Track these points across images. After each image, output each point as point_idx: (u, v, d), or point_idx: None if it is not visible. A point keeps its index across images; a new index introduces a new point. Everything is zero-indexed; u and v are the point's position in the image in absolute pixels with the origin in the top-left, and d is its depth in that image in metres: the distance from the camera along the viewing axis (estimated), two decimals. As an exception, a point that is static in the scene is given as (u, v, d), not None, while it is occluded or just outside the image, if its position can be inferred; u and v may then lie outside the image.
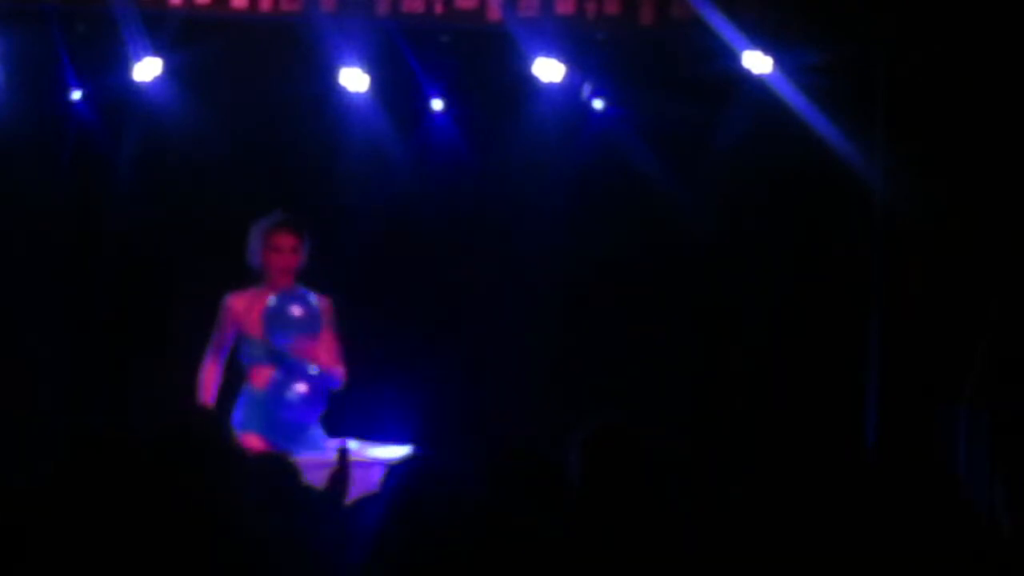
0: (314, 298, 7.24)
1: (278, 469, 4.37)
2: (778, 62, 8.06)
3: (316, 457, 7.05)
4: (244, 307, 7.27)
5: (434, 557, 3.55)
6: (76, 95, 8.28)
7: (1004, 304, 7.93)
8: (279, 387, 7.18)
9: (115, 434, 3.91)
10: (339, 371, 7.27)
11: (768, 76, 8.10)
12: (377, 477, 6.95)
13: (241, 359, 7.31)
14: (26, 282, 8.42)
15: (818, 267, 8.46)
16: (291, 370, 7.20)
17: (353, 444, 7.36)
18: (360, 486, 6.90)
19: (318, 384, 7.22)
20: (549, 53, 8.11)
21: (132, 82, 8.10)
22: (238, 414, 7.24)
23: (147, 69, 8.04)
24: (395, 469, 4.16)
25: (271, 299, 7.18)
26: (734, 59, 8.03)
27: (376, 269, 8.65)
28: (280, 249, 7.24)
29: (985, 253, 8.01)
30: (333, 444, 7.31)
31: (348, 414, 7.51)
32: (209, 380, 7.30)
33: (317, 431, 7.32)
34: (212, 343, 7.31)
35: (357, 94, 8.27)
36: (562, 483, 4.26)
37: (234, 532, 3.68)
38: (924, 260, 8.10)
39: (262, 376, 7.23)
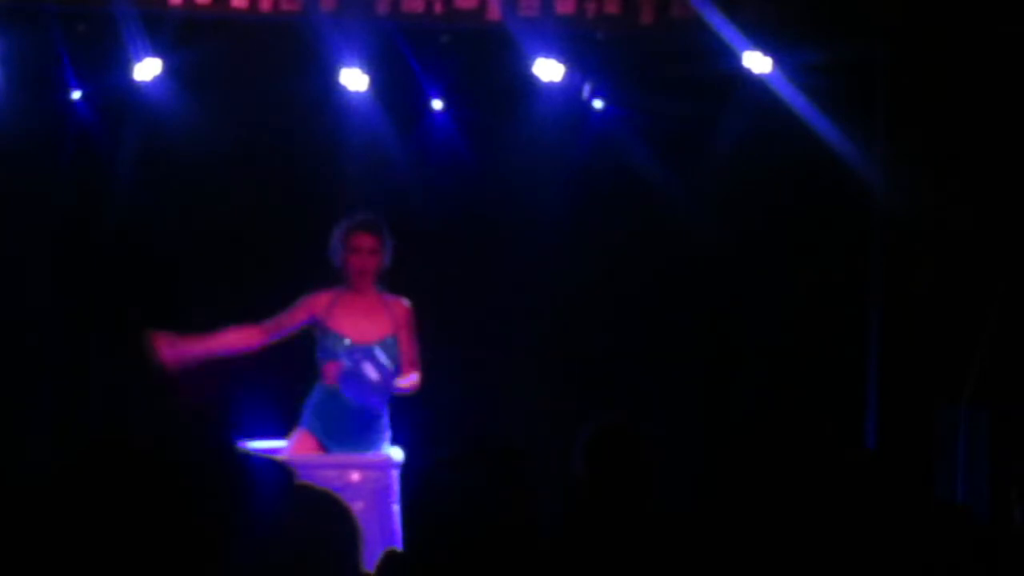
0: (384, 355, 7.11)
1: (276, 470, 4.36)
2: (778, 62, 8.06)
3: (367, 456, 7.06)
4: (326, 304, 7.21)
5: (435, 557, 3.55)
6: (76, 95, 8.28)
7: (1004, 304, 7.94)
8: (348, 374, 7.11)
9: (115, 435, 3.91)
10: (410, 379, 7.24)
11: (768, 76, 8.11)
12: (377, 477, 7.04)
13: (318, 357, 7.27)
14: (25, 282, 8.41)
15: (818, 267, 8.47)
16: (360, 360, 7.13)
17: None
18: (361, 486, 6.93)
19: (387, 374, 7.16)
20: (549, 53, 8.11)
21: (132, 82, 8.09)
22: (305, 413, 7.22)
23: (147, 69, 8.04)
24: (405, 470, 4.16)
25: (346, 362, 7.05)
26: (734, 59, 8.03)
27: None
28: (359, 250, 7.19)
29: (985, 252, 8.01)
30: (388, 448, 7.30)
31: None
32: (237, 336, 7.11)
33: (380, 433, 7.26)
34: (272, 320, 7.18)
35: (357, 94, 8.27)
36: (528, 474, 4.25)
37: (234, 533, 3.68)
38: (924, 259, 8.10)
39: (332, 371, 7.17)
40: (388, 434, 7.27)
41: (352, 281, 7.23)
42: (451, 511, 3.47)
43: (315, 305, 7.22)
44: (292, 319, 7.22)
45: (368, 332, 7.19)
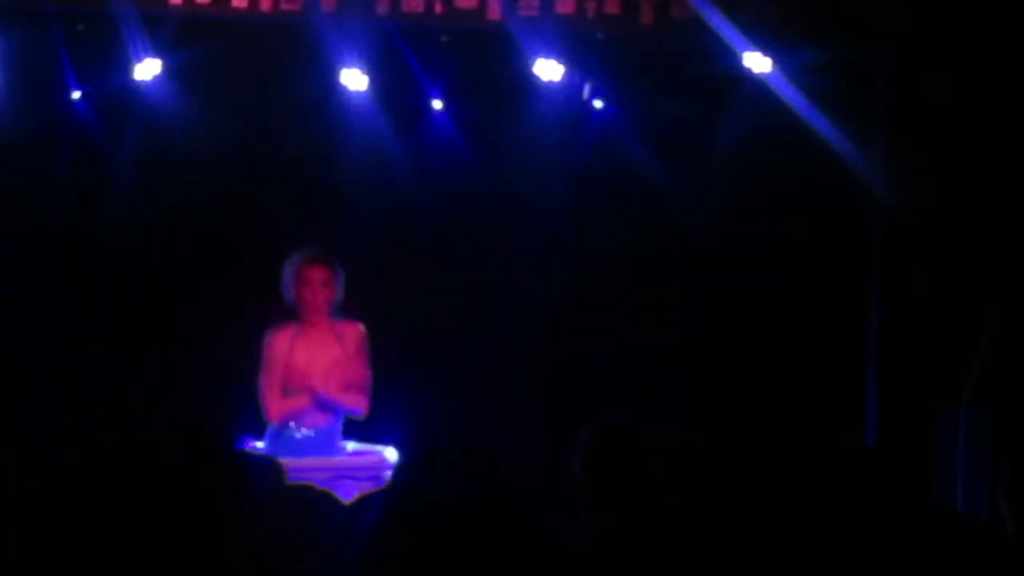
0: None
1: (274, 470, 4.38)
2: (778, 62, 8.06)
3: (328, 460, 7.06)
4: (287, 345, 7.12)
5: (433, 557, 3.55)
6: (76, 95, 8.28)
7: (1004, 303, 7.94)
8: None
9: (114, 435, 3.91)
10: (361, 404, 7.23)
11: (768, 76, 8.10)
12: (376, 477, 7.04)
13: None
14: (25, 282, 8.41)
15: (818, 267, 8.47)
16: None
17: (352, 445, 7.39)
18: (371, 488, 6.93)
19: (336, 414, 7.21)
20: (549, 53, 8.11)
21: (132, 82, 8.09)
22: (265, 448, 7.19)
23: (147, 69, 8.04)
24: (396, 468, 4.16)
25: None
26: (734, 59, 8.03)
27: (376, 268, 8.65)
28: (311, 283, 7.07)
29: (985, 252, 8.01)
30: (347, 446, 7.32)
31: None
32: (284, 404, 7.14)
33: (335, 436, 7.29)
34: (266, 382, 7.10)
35: (357, 94, 8.27)
36: (496, 475, 4.26)
37: (233, 534, 3.68)
38: (924, 259, 8.10)
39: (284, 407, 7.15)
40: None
41: (305, 315, 7.13)
42: (418, 514, 3.47)
43: (280, 346, 7.12)
44: (274, 372, 7.11)
45: (320, 371, 7.11)
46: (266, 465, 4.17)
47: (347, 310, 7.40)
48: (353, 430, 7.42)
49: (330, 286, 7.13)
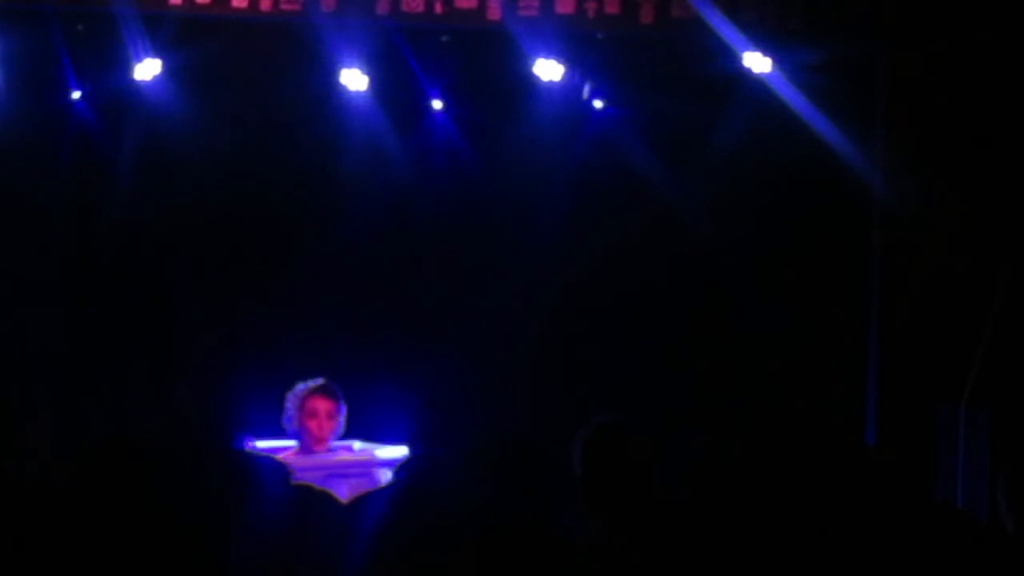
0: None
1: (281, 471, 4.38)
2: (778, 62, 8.06)
3: (323, 459, 7.06)
4: None
5: (436, 555, 3.56)
6: (76, 95, 8.28)
7: (1004, 303, 7.94)
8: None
9: (118, 435, 3.93)
10: None
11: (768, 76, 8.11)
12: (380, 477, 7.05)
13: None
14: (26, 282, 8.41)
15: (818, 267, 8.47)
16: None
17: (356, 444, 7.39)
18: (363, 486, 6.93)
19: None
20: (549, 53, 8.11)
21: (132, 82, 8.10)
22: None
23: (147, 69, 8.04)
24: (399, 467, 4.17)
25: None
26: (734, 59, 8.03)
27: (376, 268, 8.65)
28: (317, 414, 7.07)
29: (984, 253, 8.01)
30: (353, 445, 7.32)
31: (350, 414, 7.51)
32: None
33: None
34: None
35: (357, 94, 8.27)
36: (552, 474, 4.27)
37: (238, 534, 3.69)
38: (924, 260, 8.10)
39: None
40: None
41: (308, 446, 7.10)
42: (457, 505, 3.47)
43: None
44: None
45: None
46: (273, 466, 4.17)
47: (346, 308, 7.41)
48: (355, 429, 7.42)
49: (334, 418, 7.13)
